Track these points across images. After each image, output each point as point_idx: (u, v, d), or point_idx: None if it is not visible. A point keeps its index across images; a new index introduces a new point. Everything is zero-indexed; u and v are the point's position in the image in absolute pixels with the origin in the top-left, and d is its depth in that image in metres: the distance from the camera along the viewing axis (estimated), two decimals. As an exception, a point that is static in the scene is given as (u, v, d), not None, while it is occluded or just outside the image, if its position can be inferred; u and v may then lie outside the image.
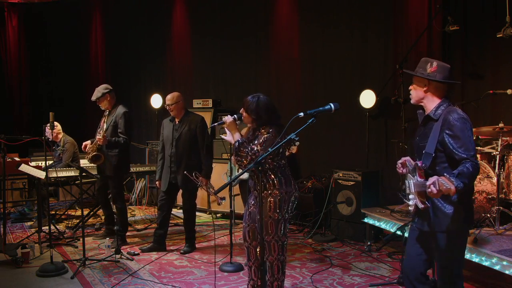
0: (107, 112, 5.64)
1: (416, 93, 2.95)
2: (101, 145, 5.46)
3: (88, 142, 5.60)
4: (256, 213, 3.55)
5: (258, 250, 3.55)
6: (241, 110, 3.63)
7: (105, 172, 5.68)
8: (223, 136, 3.69)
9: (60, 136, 6.92)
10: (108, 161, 5.57)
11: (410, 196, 2.90)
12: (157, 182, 5.58)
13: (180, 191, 5.49)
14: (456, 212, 2.79)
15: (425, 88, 2.90)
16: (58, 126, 6.90)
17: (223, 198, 4.95)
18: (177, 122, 5.38)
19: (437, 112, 2.85)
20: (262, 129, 3.50)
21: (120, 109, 5.63)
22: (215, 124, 3.69)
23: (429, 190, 2.56)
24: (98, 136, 5.41)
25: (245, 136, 3.62)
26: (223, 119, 3.59)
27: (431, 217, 2.84)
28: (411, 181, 2.85)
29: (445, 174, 2.59)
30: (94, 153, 5.48)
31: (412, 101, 3.01)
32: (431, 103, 2.91)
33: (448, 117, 2.78)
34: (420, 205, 2.72)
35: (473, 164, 2.66)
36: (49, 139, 6.53)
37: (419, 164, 2.77)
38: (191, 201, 5.45)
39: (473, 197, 2.95)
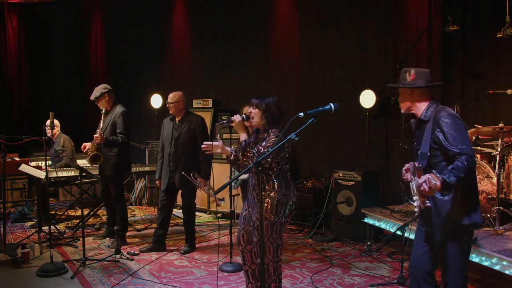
0: (103, 111, 5.64)
1: (404, 104, 3.06)
2: (100, 145, 5.46)
3: (88, 143, 5.60)
4: (251, 215, 3.55)
5: (253, 253, 3.57)
6: (249, 111, 3.61)
7: (105, 172, 5.69)
8: (215, 143, 3.60)
9: (57, 133, 6.93)
10: (107, 161, 5.56)
11: (414, 198, 2.92)
12: (157, 182, 5.59)
13: (180, 191, 5.50)
14: (458, 211, 2.80)
15: (409, 97, 3.02)
16: (56, 123, 6.93)
17: (222, 199, 4.94)
18: (177, 122, 5.39)
19: (427, 113, 2.94)
20: (272, 132, 3.50)
21: (119, 109, 5.63)
22: (224, 121, 3.65)
23: (422, 188, 2.62)
24: (96, 135, 5.41)
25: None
26: (232, 118, 3.57)
27: (433, 216, 2.85)
28: (413, 182, 2.88)
29: (433, 171, 2.67)
30: (94, 153, 5.47)
31: (402, 111, 3.12)
32: (420, 108, 3.00)
33: (437, 116, 2.85)
34: (422, 205, 2.75)
35: (467, 158, 2.69)
36: (47, 137, 6.54)
37: (417, 165, 2.82)
38: (190, 201, 5.46)
39: (478, 196, 2.95)
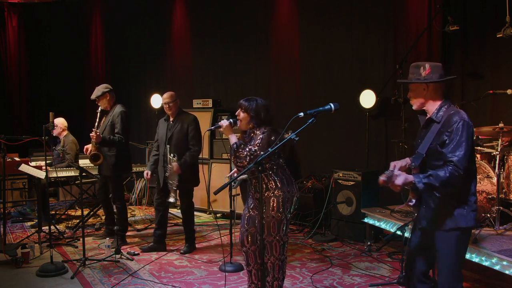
0: (99, 109, 5.64)
1: (417, 100, 2.92)
2: (100, 144, 5.46)
3: (89, 145, 5.60)
4: (256, 215, 3.55)
5: (257, 253, 3.55)
6: (237, 113, 3.63)
7: (103, 172, 5.69)
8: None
9: (64, 133, 6.94)
10: (106, 161, 5.57)
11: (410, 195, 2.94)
12: (145, 172, 5.59)
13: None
14: (449, 211, 2.79)
15: (424, 93, 2.88)
16: (63, 123, 6.94)
17: (174, 197, 5.10)
18: (171, 122, 5.40)
19: (439, 114, 2.84)
20: (257, 130, 3.53)
21: (118, 109, 5.63)
22: (212, 128, 3.74)
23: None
24: (91, 134, 5.39)
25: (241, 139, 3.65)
26: (219, 123, 3.64)
27: (427, 215, 2.86)
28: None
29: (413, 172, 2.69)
30: (94, 152, 5.48)
31: (414, 108, 2.97)
32: (433, 106, 2.89)
33: (450, 119, 2.77)
34: (409, 202, 2.77)
35: (453, 169, 2.63)
36: (51, 134, 6.54)
37: (409, 162, 2.83)
38: (188, 201, 5.45)
39: (476, 198, 2.91)
